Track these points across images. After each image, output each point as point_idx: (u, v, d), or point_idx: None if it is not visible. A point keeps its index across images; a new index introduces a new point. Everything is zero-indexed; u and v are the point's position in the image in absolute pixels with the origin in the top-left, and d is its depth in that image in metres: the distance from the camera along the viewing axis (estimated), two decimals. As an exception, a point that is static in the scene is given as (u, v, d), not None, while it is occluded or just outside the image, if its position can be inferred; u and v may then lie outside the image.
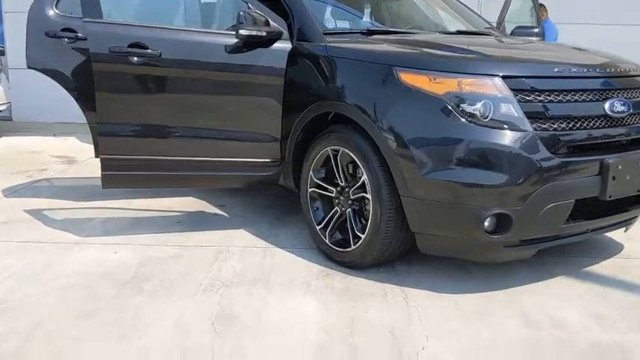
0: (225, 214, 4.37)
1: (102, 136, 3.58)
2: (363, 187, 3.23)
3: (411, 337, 2.64)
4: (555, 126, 2.97)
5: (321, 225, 3.49)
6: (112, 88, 3.55)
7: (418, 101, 2.99)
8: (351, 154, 3.25)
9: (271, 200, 4.67)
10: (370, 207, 3.16)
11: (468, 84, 2.94)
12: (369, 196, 3.16)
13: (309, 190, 3.56)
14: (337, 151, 3.35)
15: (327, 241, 3.43)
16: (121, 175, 3.65)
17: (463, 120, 2.89)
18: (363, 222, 3.30)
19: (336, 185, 3.44)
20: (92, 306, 2.88)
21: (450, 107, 2.91)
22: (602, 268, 3.48)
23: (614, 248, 3.79)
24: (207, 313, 2.81)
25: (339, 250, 3.37)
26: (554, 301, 3.02)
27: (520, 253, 3.08)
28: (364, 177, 3.18)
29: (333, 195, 3.45)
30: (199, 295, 3.01)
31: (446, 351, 2.55)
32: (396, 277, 3.26)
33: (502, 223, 2.90)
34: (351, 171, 3.38)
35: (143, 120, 3.64)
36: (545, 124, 2.96)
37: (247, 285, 3.13)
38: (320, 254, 3.54)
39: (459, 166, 2.89)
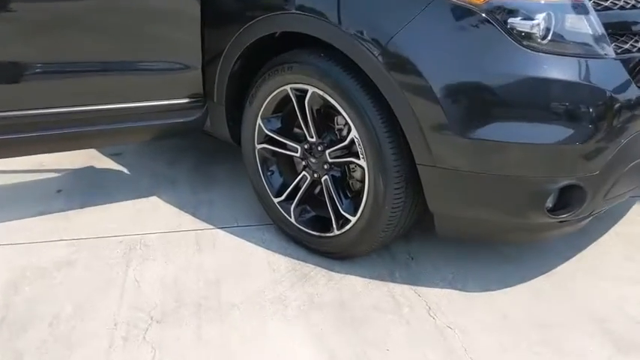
0: (125, 170, 3.13)
1: None
2: (349, 148, 2.14)
3: (470, 398, 1.73)
4: None
5: (282, 197, 2.40)
6: None
7: (445, 16, 1.87)
8: (329, 97, 2.12)
9: (185, 140, 3.44)
10: (366, 178, 2.10)
11: (521, -15, 1.85)
12: (362, 162, 2.09)
13: (258, 146, 2.42)
14: (303, 91, 2.20)
15: (294, 221, 2.36)
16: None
17: (515, 44, 1.83)
18: (349, 195, 2.25)
19: (301, 140, 2.32)
20: None
21: (494, 25, 1.83)
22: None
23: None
24: (139, 397, 1.73)
25: (315, 235, 2.32)
26: (625, 289, 2.19)
27: (576, 226, 2.17)
28: (353, 134, 2.08)
29: (297, 155, 2.33)
30: (118, 350, 1.89)
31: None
32: (399, 269, 2.28)
33: (570, 197, 1.96)
34: (326, 120, 2.27)
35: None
36: (626, 42, 1.96)
37: (190, 316, 2.04)
38: (280, 233, 2.48)
39: (511, 118, 1.86)
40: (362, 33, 1.94)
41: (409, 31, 1.88)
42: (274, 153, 2.41)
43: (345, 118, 2.09)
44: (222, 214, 2.67)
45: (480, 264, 2.31)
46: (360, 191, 2.18)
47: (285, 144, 2.35)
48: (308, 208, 2.37)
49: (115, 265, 2.30)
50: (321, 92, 2.13)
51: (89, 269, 2.27)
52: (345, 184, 2.27)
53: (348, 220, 2.19)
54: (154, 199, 2.80)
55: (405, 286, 2.18)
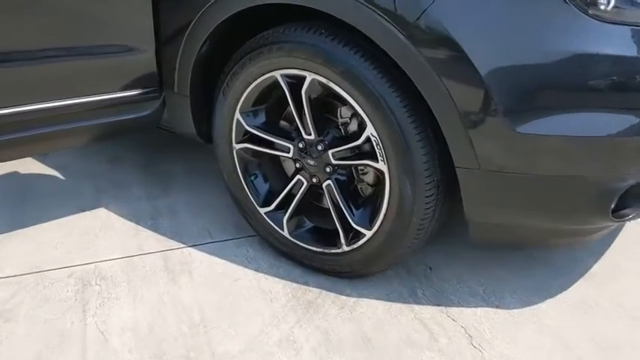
0: (59, 174, 2.58)
1: None
2: (360, 147, 1.73)
3: None
4: None
5: (271, 207, 1.96)
6: None
7: (492, -20, 1.47)
8: (334, 86, 1.68)
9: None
10: (386, 185, 1.69)
11: (584, -64, 1.46)
12: (380, 165, 1.68)
13: (236, 146, 1.96)
14: (299, 79, 1.75)
15: (288, 235, 1.94)
16: None
17: (579, 13, 1.45)
18: (359, 202, 1.84)
19: (293, 138, 1.88)
20: None
21: (553, -11, 1.45)
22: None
23: None
24: None
25: (316, 252, 1.91)
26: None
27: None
28: (369, 132, 1.66)
29: (289, 155, 1.89)
30: None
31: None
32: (419, 284, 1.92)
33: (636, 195, 1.63)
34: (325, 112, 1.83)
35: None
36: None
37: (181, 378, 1.60)
38: (266, 247, 2.05)
39: (576, 106, 1.49)
40: (385, 5, 1.50)
41: (450, 8, 1.46)
42: (258, 153, 1.96)
43: (357, 112, 1.66)
44: (190, 226, 2.20)
45: (508, 270, 1.98)
46: (375, 198, 1.79)
47: (273, 142, 1.91)
48: (305, 218, 1.95)
49: (67, 311, 1.80)
50: (324, 80, 1.68)
51: (35, 320, 1.77)
52: (352, 188, 1.86)
53: (361, 234, 1.79)
54: (101, 211, 2.29)
55: (434, 308, 1.82)
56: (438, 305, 1.83)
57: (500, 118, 1.47)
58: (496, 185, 1.57)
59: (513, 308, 1.82)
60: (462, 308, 1.82)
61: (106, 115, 2.04)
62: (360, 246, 1.80)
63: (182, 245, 2.10)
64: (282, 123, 1.96)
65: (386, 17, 1.51)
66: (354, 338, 1.71)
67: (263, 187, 2.00)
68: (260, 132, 1.90)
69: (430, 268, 1.99)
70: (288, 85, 1.77)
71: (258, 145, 1.93)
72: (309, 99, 1.75)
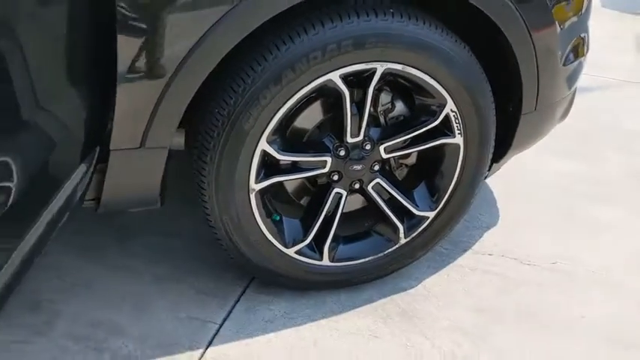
0: None
1: None
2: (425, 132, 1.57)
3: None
4: None
5: (306, 241, 1.57)
6: None
7: None
8: (414, 70, 1.45)
9: None
10: (459, 157, 1.59)
11: None
12: (457, 139, 1.57)
13: (256, 187, 1.46)
14: (363, 74, 1.42)
15: (330, 263, 1.63)
16: None
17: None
18: (408, 187, 1.68)
19: (328, 149, 1.52)
20: None
21: None
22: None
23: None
24: None
25: (369, 262, 1.67)
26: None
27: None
28: (449, 108, 1.52)
29: (324, 170, 1.53)
30: None
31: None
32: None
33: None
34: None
35: None
36: None
37: None
38: (283, 292, 1.66)
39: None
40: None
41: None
42: (276, 186, 1.52)
43: (436, 92, 1.49)
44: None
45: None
46: (420, 177, 1.68)
47: (299, 164, 1.51)
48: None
49: None
50: (399, 67, 1.43)
51: None
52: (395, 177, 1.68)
53: (421, 218, 1.66)
54: None
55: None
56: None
57: (562, 58, 1.62)
58: (539, 120, 1.72)
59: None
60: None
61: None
62: (422, 231, 1.68)
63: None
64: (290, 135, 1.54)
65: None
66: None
67: (286, 223, 1.57)
68: (292, 156, 1.47)
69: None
70: (347, 84, 1.41)
71: (289, 174, 1.49)
72: (373, 94, 1.45)
